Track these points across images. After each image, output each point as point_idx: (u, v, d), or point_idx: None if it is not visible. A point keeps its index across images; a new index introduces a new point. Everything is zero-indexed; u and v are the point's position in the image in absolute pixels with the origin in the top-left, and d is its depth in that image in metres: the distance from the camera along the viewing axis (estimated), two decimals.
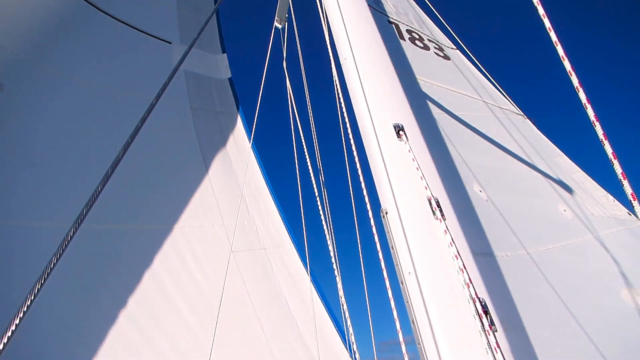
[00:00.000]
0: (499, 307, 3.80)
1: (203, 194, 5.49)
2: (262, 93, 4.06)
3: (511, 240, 4.76)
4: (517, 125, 6.25)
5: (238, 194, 5.96)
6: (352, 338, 3.87)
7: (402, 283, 2.23)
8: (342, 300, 3.96)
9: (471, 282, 2.09)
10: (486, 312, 2.01)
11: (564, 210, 5.18)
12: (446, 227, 2.29)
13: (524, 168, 5.62)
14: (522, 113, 6.40)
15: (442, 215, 2.35)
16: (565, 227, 4.98)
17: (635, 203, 2.06)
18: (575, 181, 5.52)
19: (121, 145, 2.41)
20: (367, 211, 2.58)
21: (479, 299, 2.03)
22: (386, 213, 2.44)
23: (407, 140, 2.62)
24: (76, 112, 5.39)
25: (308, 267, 5.08)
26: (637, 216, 2.07)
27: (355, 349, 3.77)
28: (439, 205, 2.38)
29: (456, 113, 6.03)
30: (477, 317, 1.98)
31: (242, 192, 3.13)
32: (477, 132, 5.96)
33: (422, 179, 2.48)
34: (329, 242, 4.15)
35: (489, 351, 1.88)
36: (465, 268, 2.14)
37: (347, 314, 3.39)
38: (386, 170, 2.54)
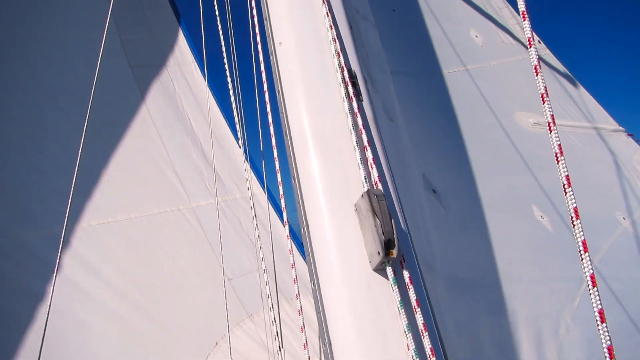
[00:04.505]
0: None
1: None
2: None
3: (418, 62, 4.72)
4: None
5: (136, 5, 5.32)
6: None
7: (272, 54, 2.08)
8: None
9: (342, 51, 1.97)
10: (354, 83, 1.92)
11: (475, 36, 5.13)
12: None
13: None
14: None
15: None
16: (473, 52, 4.97)
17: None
18: (492, 7, 5.40)
19: None
20: None
21: (348, 68, 1.93)
22: None
23: None
24: None
25: (205, 72, 4.81)
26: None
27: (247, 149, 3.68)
28: None
29: None
30: (342, 85, 1.89)
31: None
32: None
33: None
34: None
35: (350, 115, 1.84)
36: (338, 38, 2.00)
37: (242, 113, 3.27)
38: None
